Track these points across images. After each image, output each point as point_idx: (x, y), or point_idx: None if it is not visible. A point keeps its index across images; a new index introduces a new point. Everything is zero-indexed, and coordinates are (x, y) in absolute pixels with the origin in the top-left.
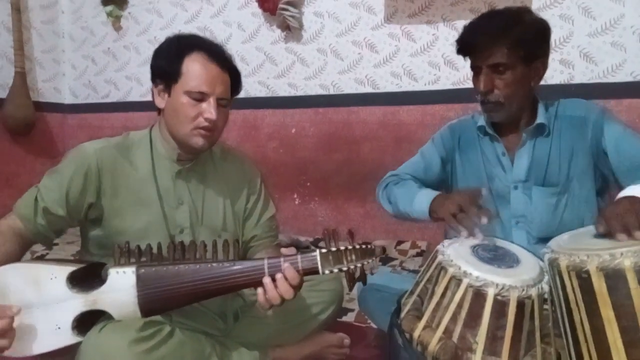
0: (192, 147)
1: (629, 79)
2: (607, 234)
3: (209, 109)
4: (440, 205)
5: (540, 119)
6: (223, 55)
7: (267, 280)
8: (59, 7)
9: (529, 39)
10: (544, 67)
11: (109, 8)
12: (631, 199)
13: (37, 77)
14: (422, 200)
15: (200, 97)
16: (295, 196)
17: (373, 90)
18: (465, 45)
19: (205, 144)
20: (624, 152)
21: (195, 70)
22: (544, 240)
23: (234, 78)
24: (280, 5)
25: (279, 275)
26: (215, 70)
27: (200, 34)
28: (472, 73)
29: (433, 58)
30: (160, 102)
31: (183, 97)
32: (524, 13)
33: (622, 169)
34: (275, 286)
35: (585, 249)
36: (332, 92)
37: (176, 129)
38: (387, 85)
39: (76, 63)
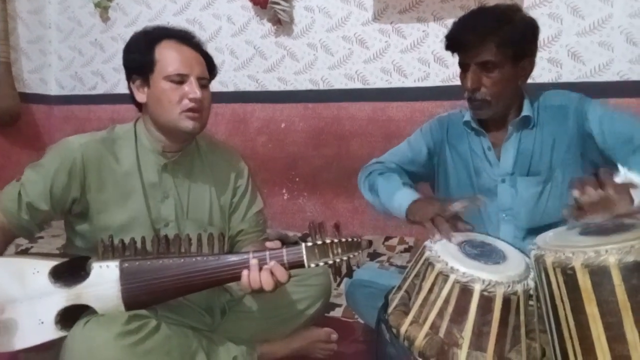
0: (182, 132)
1: (616, 78)
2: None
3: (192, 89)
4: (419, 209)
5: (526, 111)
6: (193, 38)
7: (254, 261)
8: None
9: (518, 37)
10: (531, 66)
11: None
12: None
13: (23, 67)
14: (402, 198)
15: (180, 80)
16: (284, 191)
17: (363, 86)
18: (454, 42)
19: (196, 126)
20: (609, 129)
21: (170, 55)
22: (531, 232)
23: (208, 60)
24: None
25: (265, 267)
26: (188, 51)
27: (190, 26)
28: (460, 70)
29: (423, 55)
30: (141, 97)
31: (163, 84)
32: (514, 11)
33: (609, 147)
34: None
35: (570, 245)
36: (321, 87)
37: (163, 117)
38: (377, 81)
39: (63, 54)
